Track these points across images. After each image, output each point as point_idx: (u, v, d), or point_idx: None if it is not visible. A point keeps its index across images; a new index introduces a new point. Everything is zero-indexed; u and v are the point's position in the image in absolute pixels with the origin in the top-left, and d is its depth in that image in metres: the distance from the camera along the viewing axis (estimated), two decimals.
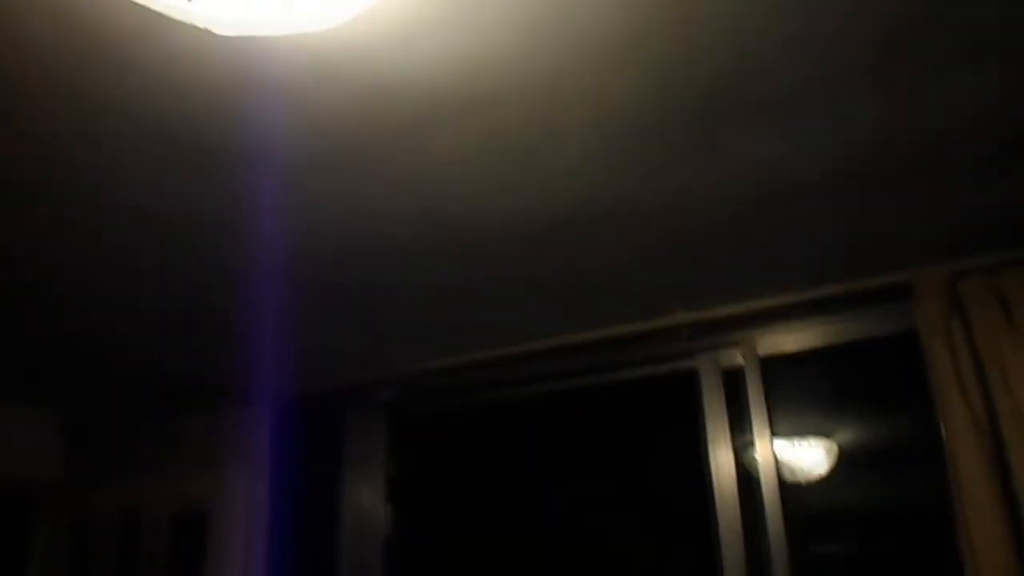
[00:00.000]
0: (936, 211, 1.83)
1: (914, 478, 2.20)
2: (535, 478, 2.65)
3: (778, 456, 2.25)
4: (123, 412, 3.07)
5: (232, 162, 1.53)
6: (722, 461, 2.30)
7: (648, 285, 2.15)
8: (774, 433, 2.27)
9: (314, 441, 2.94)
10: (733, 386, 2.34)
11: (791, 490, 2.24)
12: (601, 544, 2.50)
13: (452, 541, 2.71)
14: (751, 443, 2.27)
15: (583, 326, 2.38)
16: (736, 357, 2.34)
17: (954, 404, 1.94)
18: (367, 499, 2.80)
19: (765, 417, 2.27)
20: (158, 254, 1.92)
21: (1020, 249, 1.96)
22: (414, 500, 2.79)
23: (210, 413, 2.89)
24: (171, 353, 2.60)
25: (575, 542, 2.54)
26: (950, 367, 1.97)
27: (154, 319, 2.32)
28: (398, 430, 2.86)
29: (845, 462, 2.28)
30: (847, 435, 2.32)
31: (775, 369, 2.32)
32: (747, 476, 2.27)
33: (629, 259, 2.00)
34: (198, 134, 1.45)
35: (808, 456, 2.32)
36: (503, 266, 2.01)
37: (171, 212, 1.72)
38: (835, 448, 2.31)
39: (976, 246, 1.98)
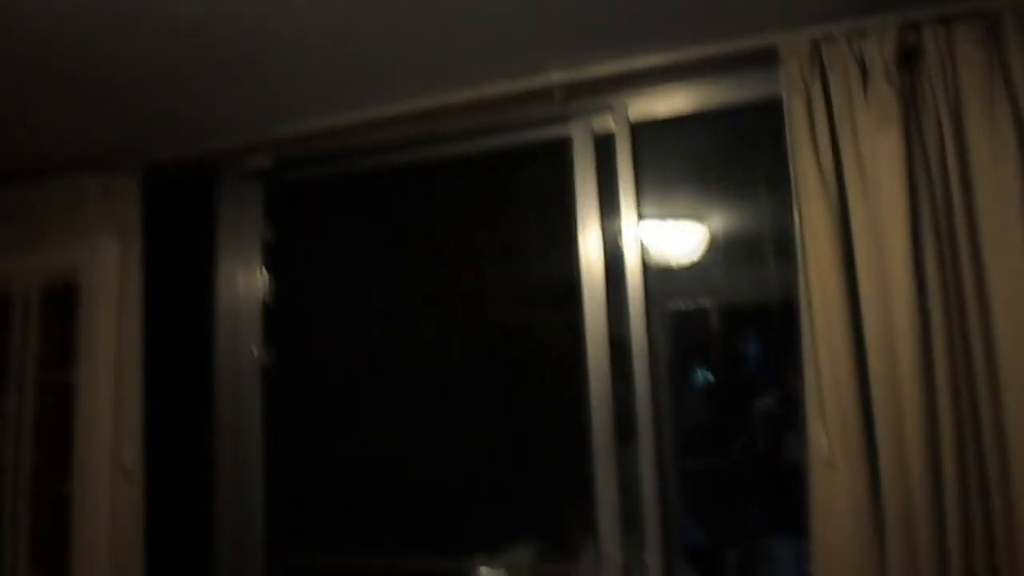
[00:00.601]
0: None
1: (775, 259, 2.30)
2: (411, 244, 2.68)
3: (643, 227, 2.33)
4: None
5: None
6: (590, 229, 2.37)
7: (521, 34, 2.10)
8: (640, 204, 2.33)
9: (187, 210, 2.86)
10: (605, 157, 2.37)
11: (655, 267, 2.34)
12: (475, 308, 2.60)
13: (331, 306, 2.76)
14: (618, 212, 2.33)
15: (457, 84, 2.33)
16: (609, 122, 2.36)
17: (809, 175, 1.98)
18: (243, 267, 2.78)
19: (632, 185, 2.32)
20: None
21: (881, 16, 1.99)
22: (291, 267, 2.79)
23: (76, 181, 2.75)
24: (25, 113, 2.43)
25: (450, 304, 2.62)
26: (807, 131, 2.01)
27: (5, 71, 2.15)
28: (274, 198, 2.81)
29: (710, 240, 2.38)
30: (713, 216, 2.41)
31: (646, 136, 2.35)
32: (614, 246, 2.35)
33: None
34: None
35: (673, 232, 2.41)
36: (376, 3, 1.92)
37: None
38: (701, 227, 2.40)
39: (841, 11, 2.00)
